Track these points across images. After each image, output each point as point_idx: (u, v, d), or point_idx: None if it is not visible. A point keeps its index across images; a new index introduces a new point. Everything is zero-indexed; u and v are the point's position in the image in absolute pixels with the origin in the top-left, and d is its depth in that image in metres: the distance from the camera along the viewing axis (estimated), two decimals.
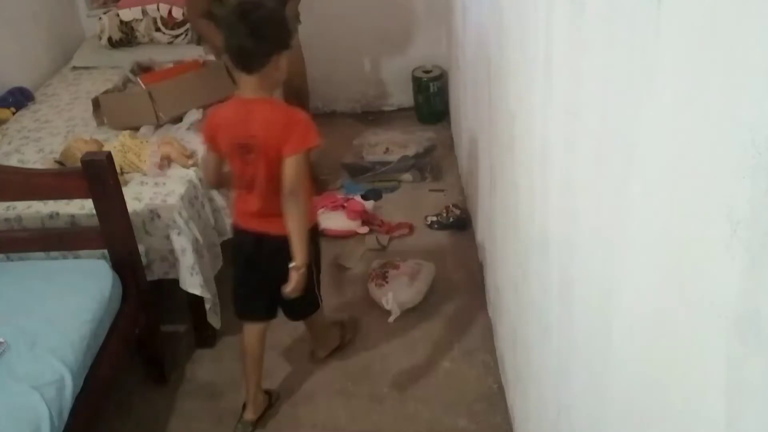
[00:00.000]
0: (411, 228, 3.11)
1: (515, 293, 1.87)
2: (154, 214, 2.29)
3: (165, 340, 2.45)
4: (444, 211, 3.13)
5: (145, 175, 2.45)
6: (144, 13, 3.66)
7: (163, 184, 2.40)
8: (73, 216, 2.29)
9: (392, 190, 3.40)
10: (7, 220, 2.31)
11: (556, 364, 1.42)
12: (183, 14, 3.60)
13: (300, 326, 2.65)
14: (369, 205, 3.20)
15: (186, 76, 2.83)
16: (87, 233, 2.22)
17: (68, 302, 2.02)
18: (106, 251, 2.19)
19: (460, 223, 3.06)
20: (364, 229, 3.09)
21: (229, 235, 2.62)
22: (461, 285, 2.76)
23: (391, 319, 2.59)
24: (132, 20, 3.66)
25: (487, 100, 2.15)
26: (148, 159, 2.45)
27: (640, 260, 0.88)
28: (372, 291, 2.68)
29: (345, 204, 3.14)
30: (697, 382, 0.73)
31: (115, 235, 2.14)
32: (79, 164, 2.03)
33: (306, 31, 4.00)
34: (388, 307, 2.60)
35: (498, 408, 2.21)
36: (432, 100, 3.95)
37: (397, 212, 3.21)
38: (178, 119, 2.84)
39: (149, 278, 2.33)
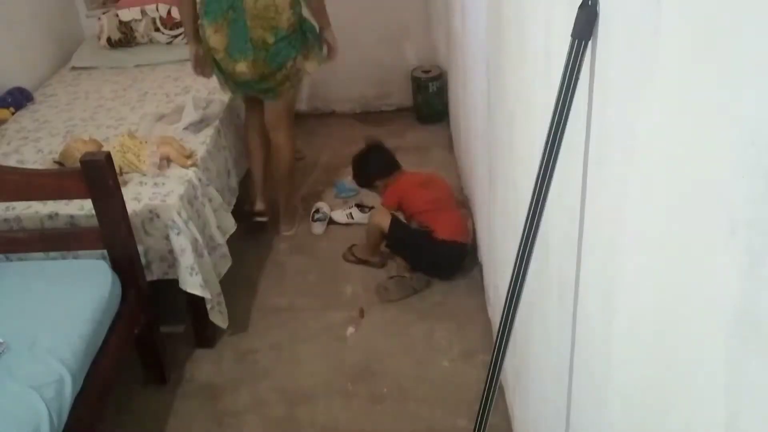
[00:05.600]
0: None
1: None
2: (153, 214, 2.29)
3: (165, 340, 2.45)
4: None
5: (144, 175, 2.44)
6: (143, 13, 3.66)
7: (162, 184, 2.39)
8: (72, 216, 2.29)
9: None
10: (6, 220, 2.31)
11: (556, 364, 1.41)
12: None
13: (297, 325, 2.65)
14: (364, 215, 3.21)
15: None
16: (86, 233, 2.22)
17: (68, 302, 2.02)
18: (105, 251, 2.19)
19: None
20: None
21: (231, 231, 2.62)
22: (461, 285, 2.76)
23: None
24: (131, 20, 3.66)
25: (487, 100, 2.15)
26: (147, 159, 2.45)
27: (639, 260, 0.88)
28: None
29: None
30: (697, 381, 0.73)
31: (115, 235, 2.13)
32: (78, 164, 2.02)
33: None
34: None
35: (498, 408, 2.21)
36: (431, 100, 3.95)
37: None
38: (178, 119, 2.84)
39: (149, 278, 2.34)
